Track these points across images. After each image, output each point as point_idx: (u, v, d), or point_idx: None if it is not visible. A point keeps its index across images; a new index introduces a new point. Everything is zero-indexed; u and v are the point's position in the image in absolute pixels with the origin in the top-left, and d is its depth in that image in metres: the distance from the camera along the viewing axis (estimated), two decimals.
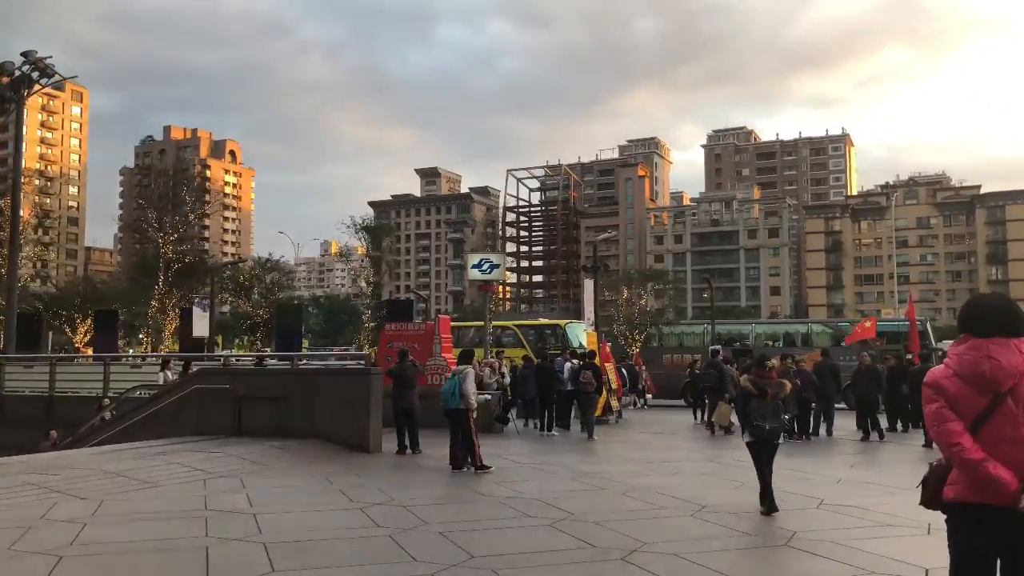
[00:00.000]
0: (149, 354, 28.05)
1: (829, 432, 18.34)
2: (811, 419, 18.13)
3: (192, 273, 38.29)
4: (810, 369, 19.09)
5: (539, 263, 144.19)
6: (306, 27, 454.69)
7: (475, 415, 12.49)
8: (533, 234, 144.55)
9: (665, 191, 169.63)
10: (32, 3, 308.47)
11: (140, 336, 36.09)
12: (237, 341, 59.88)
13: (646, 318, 46.02)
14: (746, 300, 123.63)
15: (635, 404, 28.92)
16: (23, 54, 28.52)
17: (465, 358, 12.92)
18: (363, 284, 43.97)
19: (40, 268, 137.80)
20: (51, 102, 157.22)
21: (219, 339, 68.52)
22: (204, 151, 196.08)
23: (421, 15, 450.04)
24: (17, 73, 28.59)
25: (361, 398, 14.73)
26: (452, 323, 43.38)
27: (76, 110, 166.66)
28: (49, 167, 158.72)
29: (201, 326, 27.05)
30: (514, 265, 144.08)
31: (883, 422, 18.56)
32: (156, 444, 14.20)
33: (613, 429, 20.46)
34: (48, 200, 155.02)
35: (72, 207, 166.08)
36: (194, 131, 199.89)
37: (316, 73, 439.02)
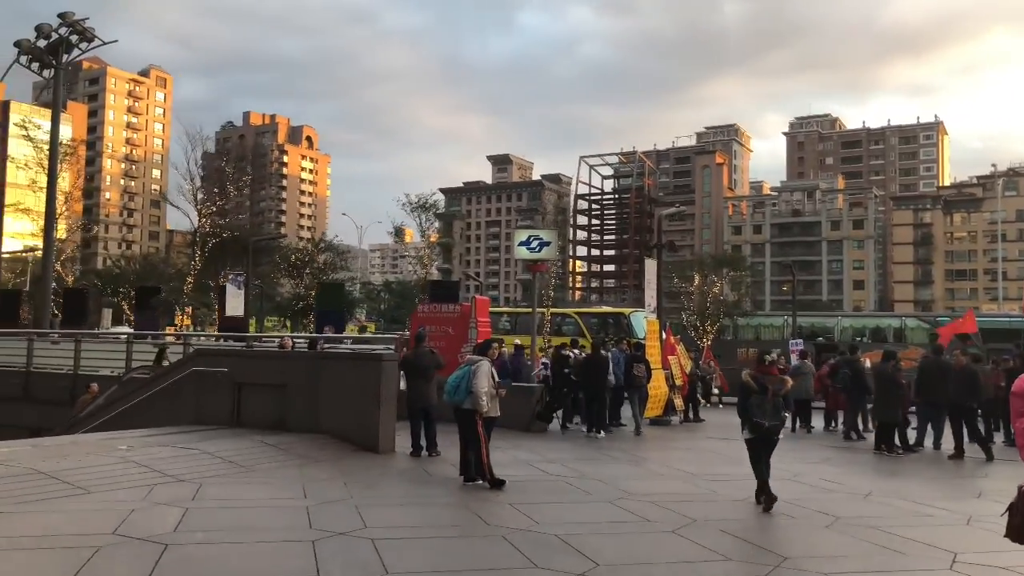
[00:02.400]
0: (168, 332, 26.70)
1: (936, 445, 15.28)
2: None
3: (233, 249, 36.89)
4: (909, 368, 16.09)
5: (611, 252, 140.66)
6: (388, 15, 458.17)
7: (487, 416, 9.98)
8: (605, 222, 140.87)
9: (744, 180, 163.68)
10: None
11: (176, 314, 35.09)
12: (304, 322, 58.61)
13: (720, 308, 42.69)
14: (828, 294, 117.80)
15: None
16: (60, 15, 27.23)
17: (482, 349, 10.39)
18: (424, 268, 41.97)
19: (125, 249, 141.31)
20: (137, 88, 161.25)
21: (287, 321, 67.59)
22: (282, 137, 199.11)
23: (503, 2, 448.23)
24: (55, 36, 27.36)
25: (371, 388, 12.44)
26: (511, 309, 40.94)
27: (160, 96, 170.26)
28: (134, 151, 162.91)
29: (235, 304, 25.37)
30: (585, 254, 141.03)
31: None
32: (128, 435, 12.21)
33: (675, 433, 17.76)
34: (132, 183, 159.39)
35: (155, 190, 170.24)
36: (272, 117, 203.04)
37: (396, 61, 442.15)
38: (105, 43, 28.13)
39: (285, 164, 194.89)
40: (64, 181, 37.57)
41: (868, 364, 18.03)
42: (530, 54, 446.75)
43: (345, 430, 12.62)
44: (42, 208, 34.91)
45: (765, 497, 8.91)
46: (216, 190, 36.52)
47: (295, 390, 13.25)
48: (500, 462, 11.29)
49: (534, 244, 19.78)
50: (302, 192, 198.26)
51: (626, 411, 17.47)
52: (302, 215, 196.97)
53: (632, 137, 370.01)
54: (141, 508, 7.86)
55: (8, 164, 40.11)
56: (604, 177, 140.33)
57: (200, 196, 33.03)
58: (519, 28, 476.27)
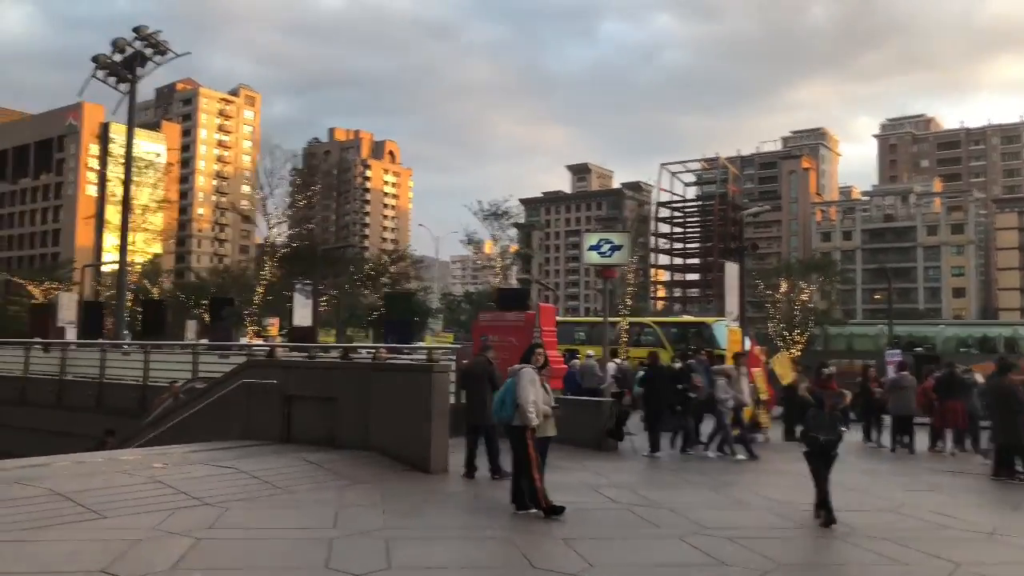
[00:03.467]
0: (231, 343, 26.40)
1: None
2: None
3: (306, 259, 36.78)
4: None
5: (694, 260, 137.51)
6: (470, 29, 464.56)
7: (541, 436, 8.87)
8: (688, 230, 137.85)
9: (833, 185, 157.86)
10: (224, 17, 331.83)
11: (245, 324, 35.14)
12: (380, 331, 58.11)
13: (808, 317, 40.40)
14: (924, 302, 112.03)
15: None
16: (134, 29, 27.50)
17: (525, 356, 9.22)
18: (496, 276, 41.21)
19: (217, 262, 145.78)
20: (227, 107, 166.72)
21: (369, 331, 67.68)
22: (365, 152, 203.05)
23: (584, 12, 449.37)
24: (129, 50, 27.65)
25: (421, 402, 11.51)
26: (585, 318, 39.67)
27: (249, 114, 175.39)
28: (224, 168, 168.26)
29: (303, 314, 24.97)
30: (667, 263, 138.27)
31: None
32: (170, 451, 11.60)
33: (762, 453, 16.21)
34: (223, 198, 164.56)
35: (244, 205, 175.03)
36: (356, 133, 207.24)
37: (478, 74, 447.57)
38: (178, 55, 28.31)
39: (368, 178, 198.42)
40: (143, 195, 38.20)
41: (979, 378, 16.20)
42: (611, 62, 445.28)
43: (395, 447, 11.70)
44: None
45: (824, 513, 8.57)
46: (288, 200, 36.73)
47: (345, 404, 12.43)
48: (560, 485, 10.18)
49: (605, 248, 18.58)
50: (385, 206, 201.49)
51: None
52: (385, 228, 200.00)
53: (715, 144, 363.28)
54: (148, 538, 7.07)
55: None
56: (686, 184, 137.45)
57: (270, 207, 33.15)
58: (600, 37, 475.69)
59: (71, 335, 33.59)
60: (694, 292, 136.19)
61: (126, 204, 26.84)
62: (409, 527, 7.93)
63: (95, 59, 27.10)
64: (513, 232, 44.12)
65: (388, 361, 15.39)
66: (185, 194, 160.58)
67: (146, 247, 45.60)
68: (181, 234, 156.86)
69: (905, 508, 10.04)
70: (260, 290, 33.92)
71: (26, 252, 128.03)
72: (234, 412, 13.82)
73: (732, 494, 10.78)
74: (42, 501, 8.13)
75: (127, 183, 27.21)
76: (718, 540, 7.68)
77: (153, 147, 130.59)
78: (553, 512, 8.54)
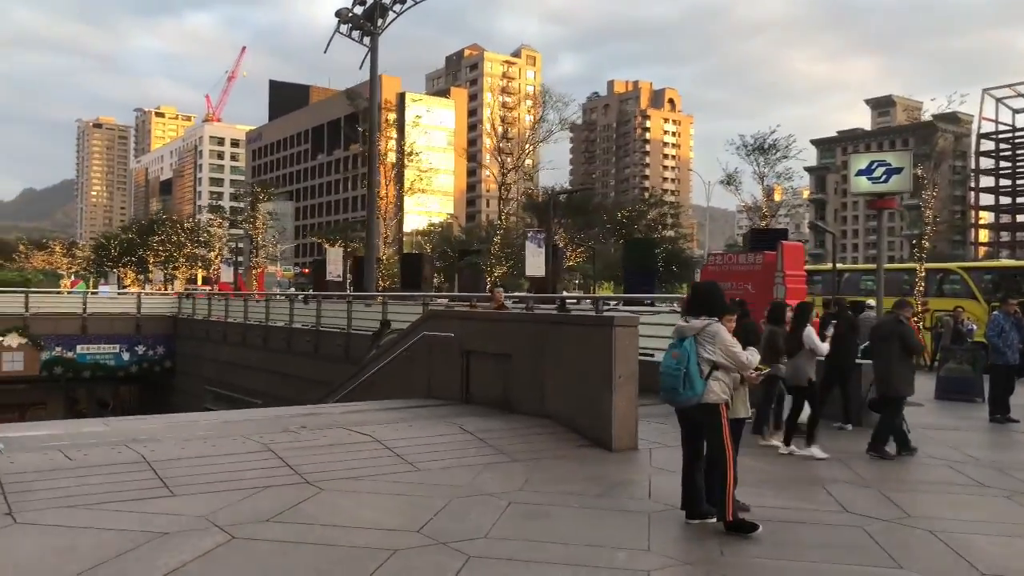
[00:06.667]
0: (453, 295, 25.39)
1: None
2: None
3: (576, 210, 35.12)
4: None
5: None
6: None
7: (736, 417, 6.21)
8: (1018, 165, 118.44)
9: None
10: None
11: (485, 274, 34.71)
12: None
13: None
14: None
15: None
16: None
17: (708, 306, 6.27)
18: (764, 221, 37.00)
19: (504, 220, 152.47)
20: (509, 68, 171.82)
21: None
22: (644, 102, 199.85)
23: None
24: (369, 1, 27.57)
25: (600, 364, 9.15)
26: (869, 266, 34.26)
27: (530, 74, 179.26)
28: (509, 129, 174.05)
29: (536, 263, 23.40)
30: (992, 203, 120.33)
31: None
32: (327, 410, 10.51)
33: None
34: (508, 159, 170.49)
35: (528, 164, 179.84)
36: (635, 83, 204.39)
37: (771, 10, 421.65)
38: (417, 2, 27.73)
39: (648, 129, 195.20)
40: (391, 154, 39.16)
41: None
42: None
43: (572, 417, 9.52)
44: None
45: None
46: (512, 141, 35.66)
47: (520, 362, 10.45)
48: (779, 479, 7.50)
49: (878, 172, 14.71)
50: (664, 156, 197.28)
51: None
52: (665, 179, 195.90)
53: None
54: (179, 531, 5.56)
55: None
56: (1015, 111, 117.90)
57: (513, 151, 32.24)
58: None
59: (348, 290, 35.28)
60: None
61: (371, 161, 26.99)
62: (519, 537, 5.71)
63: (338, 13, 27.32)
64: (783, 167, 38.94)
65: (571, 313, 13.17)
66: (473, 156, 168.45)
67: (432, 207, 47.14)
68: (471, 195, 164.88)
69: None
70: (497, 239, 33.28)
71: (338, 216, 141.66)
72: (418, 367, 12.50)
73: None
74: (121, 471, 7.03)
75: (371, 141, 27.36)
76: None
77: (442, 113, 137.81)
78: (740, 530, 5.87)
